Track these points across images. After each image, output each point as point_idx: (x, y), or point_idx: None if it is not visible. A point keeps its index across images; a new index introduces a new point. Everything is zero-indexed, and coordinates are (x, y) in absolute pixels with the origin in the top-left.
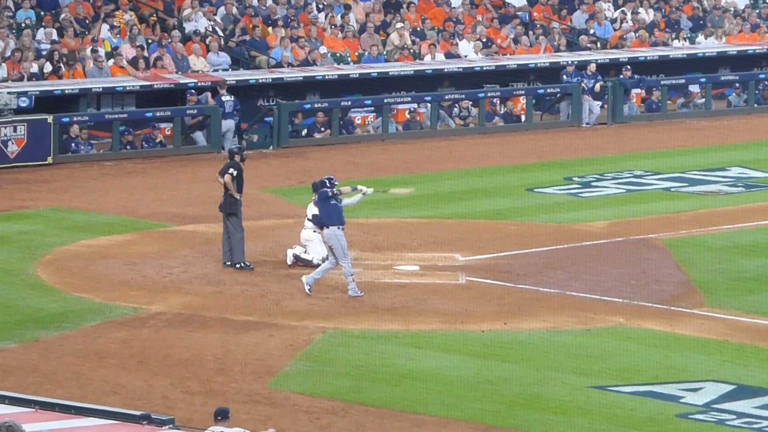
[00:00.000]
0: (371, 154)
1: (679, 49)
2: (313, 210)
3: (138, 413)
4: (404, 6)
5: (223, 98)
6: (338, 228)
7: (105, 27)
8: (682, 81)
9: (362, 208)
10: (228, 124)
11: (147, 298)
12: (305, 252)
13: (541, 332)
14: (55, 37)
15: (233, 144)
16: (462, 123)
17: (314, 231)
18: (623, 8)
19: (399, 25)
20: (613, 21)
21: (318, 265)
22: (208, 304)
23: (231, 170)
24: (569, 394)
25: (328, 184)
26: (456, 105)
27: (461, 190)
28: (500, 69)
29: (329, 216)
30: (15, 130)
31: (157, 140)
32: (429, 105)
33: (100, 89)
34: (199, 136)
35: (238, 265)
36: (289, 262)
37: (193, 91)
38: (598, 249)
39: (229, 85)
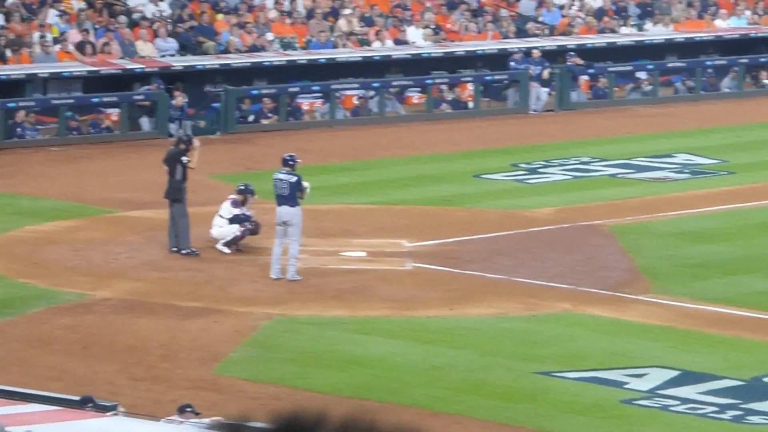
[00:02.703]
0: (319, 140)
1: (626, 35)
2: (231, 210)
3: (79, 397)
4: None
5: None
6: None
7: (52, 12)
8: (630, 68)
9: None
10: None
11: (93, 284)
12: (227, 238)
13: (487, 318)
14: (2, 22)
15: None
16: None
17: (221, 227)
18: None
19: (347, 11)
20: (561, 7)
21: (240, 237)
22: (153, 290)
23: (183, 159)
24: (515, 380)
25: (291, 162)
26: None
27: (408, 176)
28: (448, 55)
29: (297, 197)
30: None
31: (104, 126)
32: (377, 91)
33: (47, 74)
34: (146, 122)
35: (184, 251)
36: (228, 251)
37: (159, 80)
38: (545, 235)
39: (176, 70)
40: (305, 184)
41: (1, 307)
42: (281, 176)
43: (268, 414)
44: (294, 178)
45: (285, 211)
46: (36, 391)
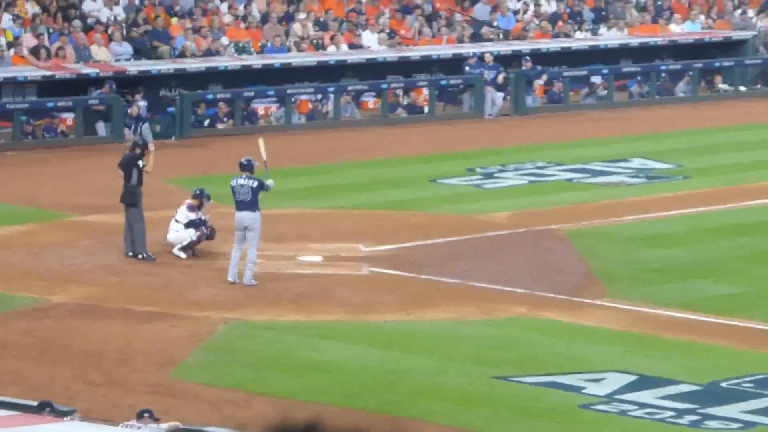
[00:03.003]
0: (274, 144)
1: (581, 40)
2: (187, 215)
3: (37, 402)
4: None
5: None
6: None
7: (6, 16)
8: (585, 72)
9: (264, 198)
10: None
11: (49, 288)
12: (183, 242)
13: (444, 323)
14: None
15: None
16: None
17: (177, 231)
18: (525, 0)
19: (302, 15)
20: (515, 12)
21: (195, 241)
22: (110, 295)
23: (139, 163)
24: (472, 384)
25: (249, 165)
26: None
27: (365, 180)
28: (403, 60)
29: (258, 202)
30: None
31: (59, 130)
32: (332, 96)
33: (1, 79)
34: (101, 127)
35: (140, 256)
36: (184, 256)
37: (112, 83)
38: (501, 240)
39: (130, 75)
40: (269, 182)
41: None
42: (241, 182)
43: (260, 424)
44: (255, 183)
45: (246, 216)
46: (5, 398)
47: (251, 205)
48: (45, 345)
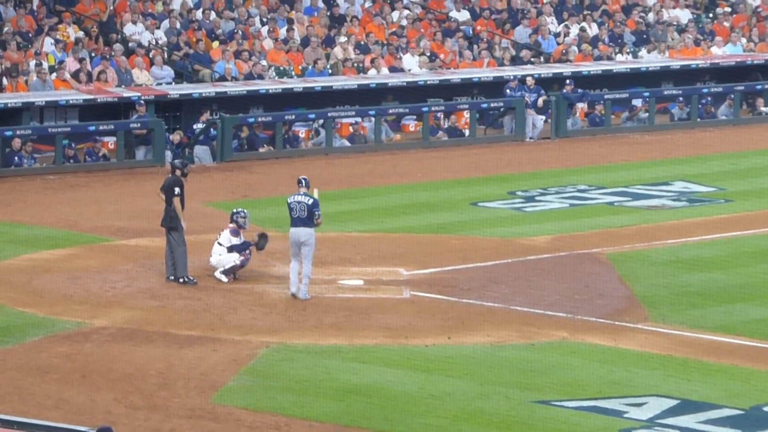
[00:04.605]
0: (315, 167)
1: (622, 63)
2: (231, 239)
3: (96, 428)
4: (348, 20)
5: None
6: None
7: (48, 40)
8: (626, 95)
9: None
10: (200, 151)
11: (90, 312)
12: (225, 266)
13: (485, 347)
14: None
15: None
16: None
17: (220, 255)
18: (566, 22)
19: (342, 39)
20: (556, 35)
21: (239, 266)
22: (151, 319)
23: (176, 189)
24: (513, 408)
25: (304, 184)
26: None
27: (405, 204)
28: (444, 83)
29: (313, 219)
30: None
31: (100, 154)
32: (373, 119)
33: (43, 103)
34: (140, 152)
35: (181, 280)
36: (226, 280)
37: (141, 102)
38: (542, 263)
39: (171, 98)
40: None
41: None
42: (299, 198)
43: None
44: (310, 200)
45: (302, 232)
46: (35, 420)
47: (306, 221)
48: (86, 369)
